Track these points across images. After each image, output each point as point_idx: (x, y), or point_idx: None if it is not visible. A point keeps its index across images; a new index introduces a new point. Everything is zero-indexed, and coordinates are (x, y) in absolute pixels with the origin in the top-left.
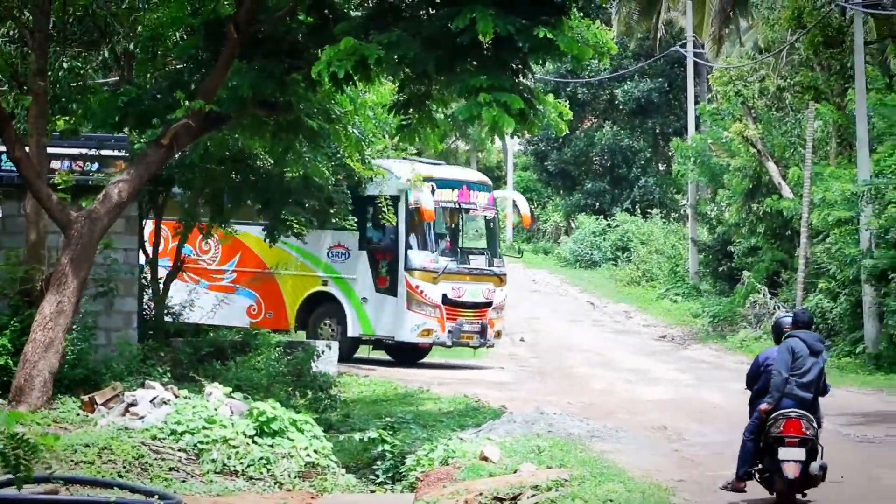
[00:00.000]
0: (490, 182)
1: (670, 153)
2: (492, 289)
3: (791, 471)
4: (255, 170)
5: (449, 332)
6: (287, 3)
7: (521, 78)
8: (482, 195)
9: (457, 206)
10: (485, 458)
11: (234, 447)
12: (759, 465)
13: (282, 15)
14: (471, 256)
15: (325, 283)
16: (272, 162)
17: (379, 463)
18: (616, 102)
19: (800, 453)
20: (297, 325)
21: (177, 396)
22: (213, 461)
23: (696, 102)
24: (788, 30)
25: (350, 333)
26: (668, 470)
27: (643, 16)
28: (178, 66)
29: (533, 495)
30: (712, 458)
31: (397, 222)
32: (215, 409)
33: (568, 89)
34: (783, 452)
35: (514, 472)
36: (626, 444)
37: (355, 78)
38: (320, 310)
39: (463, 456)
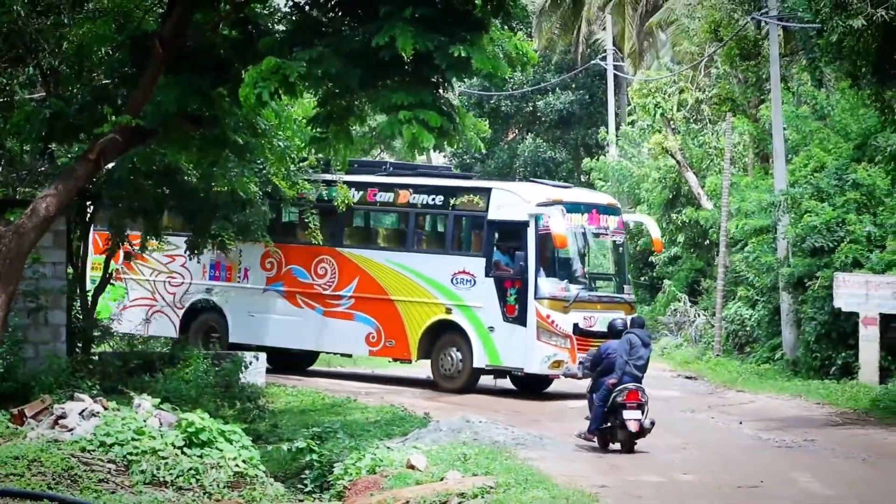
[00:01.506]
0: (619, 205)
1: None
2: (622, 317)
3: (633, 426)
4: (181, 184)
5: (580, 363)
6: (211, 18)
7: (442, 92)
8: (612, 219)
9: (586, 231)
10: (411, 467)
11: (163, 458)
12: (608, 424)
13: (206, 30)
14: (600, 283)
15: (448, 311)
16: (199, 176)
17: (307, 472)
18: (538, 115)
19: (638, 414)
20: (420, 354)
21: (106, 409)
22: (143, 472)
23: (617, 115)
24: (706, 43)
25: (476, 364)
26: (592, 476)
27: (564, 30)
28: (105, 82)
29: (459, 502)
30: (633, 463)
31: (526, 248)
32: (144, 421)
33: (492, 102)
34: (626, 413)
35: (441, 479)
36: (551, 451)
37: (280, 92)
38: (445, 338)
39: (390, 464)
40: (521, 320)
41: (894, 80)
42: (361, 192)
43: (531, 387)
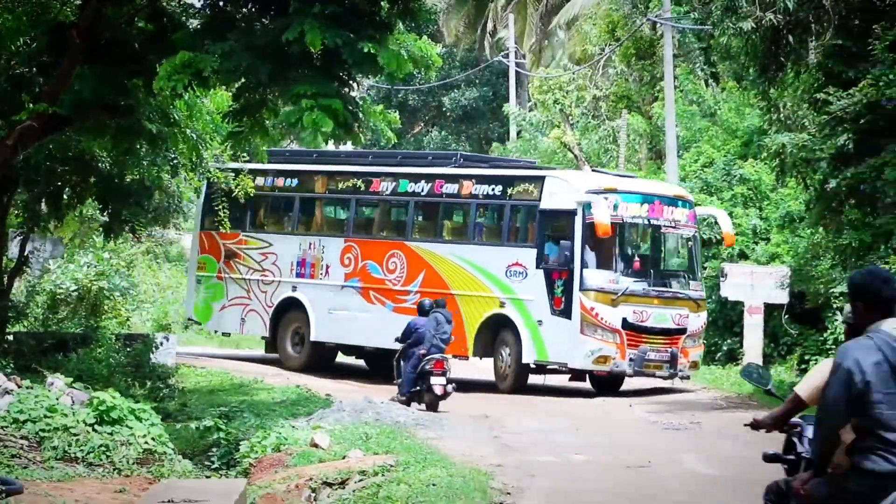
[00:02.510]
0: (691, 198)
1: None
2: (685, 314)
3: (438, 390)
4: (95, 171)
5: (630, 359)
6: (126, 12)
7: (348, 89)
8: (679, 211)
9: (647, 223)
10: (315, 445)
11: (75, 435)
12: (417, 387)
13: (121, 23)
14: (662, 278)
15: (502, 305)
16: (112, 163)
17: (214, 450)
18: (444, 109)
19: (442, 380)
20: (476, 351)
21: (19, 387)
22: (54, 448)
23: (517, 110)
24: (604, 43)
25: (524, 359)
26: (488, 456)
27: (469, 28)
28: (23, 70)
29: (360, 480)
30: (529, 444)
31: (573, 238)
32: (57, 399)
33: (399, 96)
34: (433, 379)
35: (343, 458)
36: (450, 431)
37: (193, 85)
38: (500, 335)
39: (294, 443)
40: (566, 313)
41: (780, 81)
42: (430, 185)
43: (609, 386)
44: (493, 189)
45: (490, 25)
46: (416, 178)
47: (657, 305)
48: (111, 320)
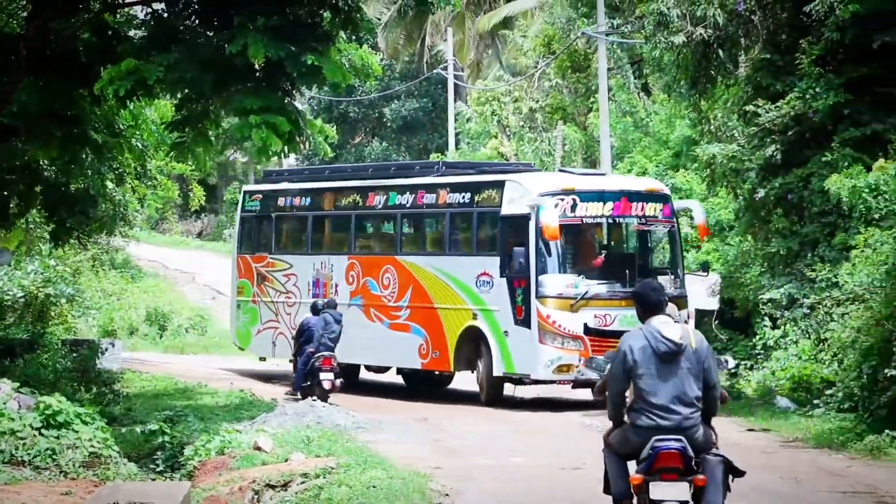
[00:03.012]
0: (666, 191)
1: None
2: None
3: (327, 385)
4: (42, 180)
5: (591, 365)
6: (73, 24)
7: (291, 99)
8: (652, 206)
9: (612, 221)
10: (258, 448)
11: (21, 439)
12: (308, 382)
13: (67, 35)
14: (632, 278)
15: (475, 317)
16: (57, 173)
17: (159, 453)
18: (384, 120)
19: (331, 375)
20: (460, 365)
21: None
22: (1, 452)
23: (457, 121)
24: (540, 56)
25: (495, 372)
26: (428, 458)
27: (409, 41)
28: None
29: (302, 482)
30: (467, 446)
31: (528, 243)
32: (3, 404)
33: (340, 107)
34: (322, 375)
35: (286, 460)
36: (390, 434)
37: (138, 94)
38: (479, 346)
39: (238, 446)
40: (527, 322)
41: (710, 93)
42: (413, 196)
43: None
44: (462, 197)
45: (429, 40)
46: (402, 189)
47: (623, 308)
48: (57, 326)
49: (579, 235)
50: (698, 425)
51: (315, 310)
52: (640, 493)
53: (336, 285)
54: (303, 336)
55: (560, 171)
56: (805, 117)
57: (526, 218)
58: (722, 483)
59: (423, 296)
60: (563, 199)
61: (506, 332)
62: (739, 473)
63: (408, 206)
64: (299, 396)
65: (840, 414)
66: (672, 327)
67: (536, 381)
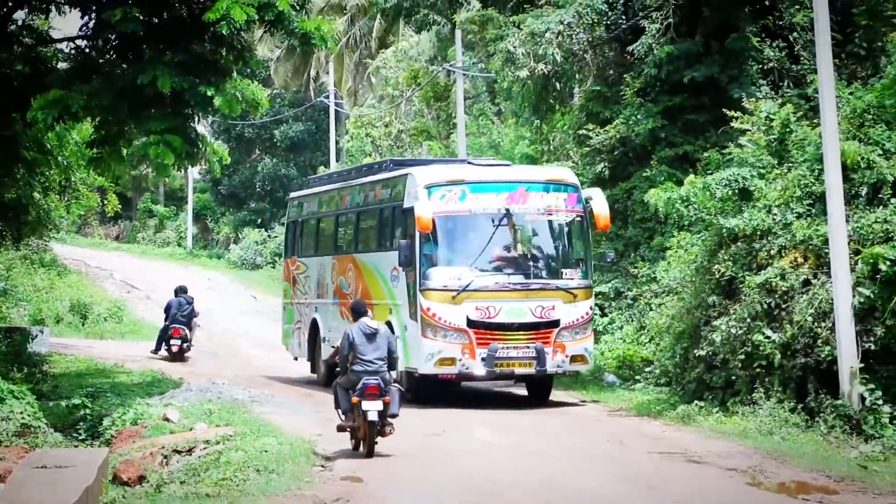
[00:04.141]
0: (572, 180)
1: None
2: (550, 306)
3: (175, 348)
4: None
5: (482, 359)
6: (7, 56)
7: (193, 123)
8: (552, 196)
9: (504, 211)
10: (167, 419)
11: None
12: (164, 347)
13: (3, 66)
14: (521, 269)
15: (390, 311)
16: None
17: (81, 424)
18: (275, 141)
19: (179, 342)
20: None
21: None
22: None
23: (337, 141)
24: (407, 86)
25: (400, 367)
26: (311, 427)
27: (296, 74)
28: None
29: (205, 447)
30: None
31: (413, 236)
32: None
33: (237, 129)
34: (172, 341)
35: (190, 429)
36: (280, 407)
37: (64, 119)
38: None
39: (149, 418)
40: (415, 316)
41: (550, 118)
42: (363, 195)
43: (538, 393)
44: (385, 192)
45: (314, 72)
46: (357, 189)
47: (512, 299)
48: None
49: (468, 226)
50: (385, 371)
51: (175, 294)
52: (355, 407)
53: (327, 285)
54: (168, 314)
55: (468, 162)
56: (628, 139)
57: (412, 210)
58: (399, 401)
59: (366, 293)
60: (450, 190)
61: (405, 326)
62: (407, 397)
63: (360, 204)
64: (156, 356)
65: (657, 388)
66: (371, 322)
67: (424, 376)
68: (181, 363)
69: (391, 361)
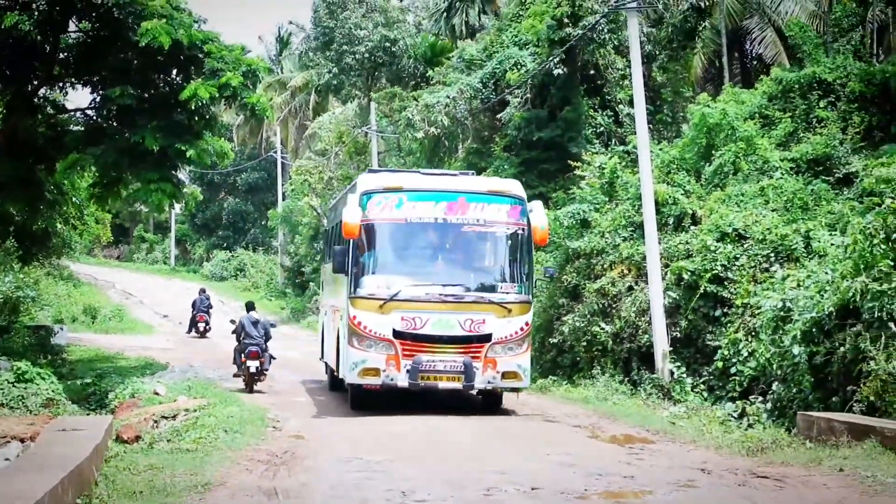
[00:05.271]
0: (516, 192)
1: (267, 217)
2: (481, 320)
3: (253, 368)
4: (13, 222)
5: (407, 371)
6: (33, 123)
7: (176, 172)
8: (493, 207)
9: (441, 221)
10: (156, 393)
11: (1, 389)
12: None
13: (30, 129)
14: (454, 281)
15: (341, 318)
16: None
17: (92, 397)
18: (237, 185)
19: (254, 365)
20: None
21: None
22: None
23: (284, 186)
24: (335, 144)
25: (340, 375)
26: (265, 399)
27: (252, 134)
28: None
29: (185, 414)
30: (290, 390)
31: (348, 243)
32: None
33: (208, 176)
34: (249, 362)
35: (174, 401)
36: (241, 384)
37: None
38: None
39: (143, 392)
40: (346, 324)
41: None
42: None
43: (490, 401)
44: (343, 200)
45: (266, 133)
46: (340, 199)
47: (441, 311)
48: (25, 317)
49: (403, 235)
50: (264, 343)
51: (199, 293)
52: (244, 364)
53: (327, 290)
54: (194, 306)
55: (422, 172)
56: None
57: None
58: (269, 362)
59: (337, 298)
60: (387, 198)
61: (344, 334)
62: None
63: (335, 214)
64: (188, 335)
65: None
66: (255, 314)
67: (352, 386)
68: (204, 338)
69: (267, 338)
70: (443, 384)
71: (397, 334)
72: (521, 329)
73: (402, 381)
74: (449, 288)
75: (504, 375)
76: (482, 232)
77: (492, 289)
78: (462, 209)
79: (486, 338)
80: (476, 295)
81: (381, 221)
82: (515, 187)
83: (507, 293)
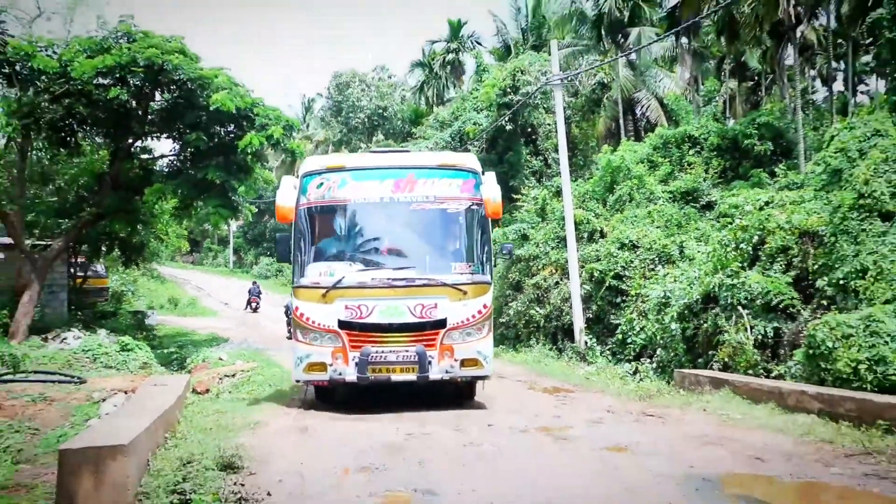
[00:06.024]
0: (470, 166)
1: None
2: (434, 304)
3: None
4: (118, 238)
5: (356, 363)
6: (131, 166)
7: (236, 197)
8: (443, 183)
9: (389, 200)
10: (220, 359)
11: (110, 356)
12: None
13: (128, 171)
14: (402, 264)
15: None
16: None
17: (174, 362)
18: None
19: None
20: None
21: (84, 336)
22: (101, 363)
23: None
24: None
25: (293, 376)
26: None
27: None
28: (75, 195)
29: (241, 373)
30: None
31: (291, 229)
32: (101, 342)
33: (257, 203)
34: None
35: (233, 364)
36: (279, 353)
37: (162, 198)
38: None
39: (211, 358)
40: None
41: None
42: None
43: (465, 393)
44: None
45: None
46: None
47: (389, 297)
48: (126, 304)
49: (346, 217)
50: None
51: (252, 283)
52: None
53: None
54: (249, 293)
55: (372, 150)
56: None
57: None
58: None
59: None
60: (328, 178)
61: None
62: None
63: None
64: (244, 310)
65: None
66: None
67: (297, 382)
68: (255, 313)
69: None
70: (395, 377)
71: (343, 325)
72: (479, 312)
73: (351, 375)
74: (397, 272)
75: (463, 363)
76: (433, 209)
77: (445, 270)
78: (410, 186)
79: (441, 323)
80: (426, 278)
81: (323, 204)
82: (469, 160)
83: (462, 273)
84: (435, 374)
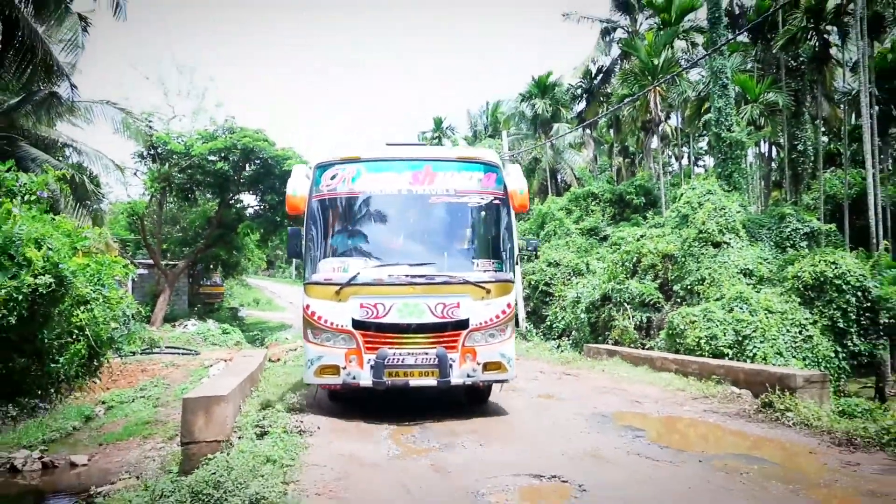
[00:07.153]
0: (490, 159)
1: None
2: (456, 303)
3: None
4: (221, 259)
5: (371, 367)
6: (229, 213)
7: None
8: (465, 176)
9: (407, 193)
10: (286, 339)
11: (215, 337)
12: None
13: (227, 215)
14: (422, 259)
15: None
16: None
17: (257, 341)
18: None
19: None
20: None
21: (198, 324)
22: (208, 341)
23: None
24: None
25: (304, 378)
26: None
27: None
28: (192, 232)
29: (297, 349)
30: None
31: (303, 222)
32: (210, 328)
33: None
34: None
35: (296, 342)
36: None
37: (249, 233)
38: None
39: (280, 339)
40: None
41: None
42: None
43: (475, 397)
44: None
45: None
46: None
47: (407, 295)
48: (225, 304)
49: (361, 210)
50: None
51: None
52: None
53: None
54: None
55: (387, 144)
56: None
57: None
58: None
59: None
60: (342, 169)
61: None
62: None
63: None
64: None
65: None
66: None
67: (309, 385)
68: None
69: None
70: (414, 381)
71: (357, 324)
72: (504, 312)
73: (366, 379)
74: (416, 268)
75: (486, 367)
76: (453, 203)
77: (466, 267)
78: (429, 178)
79: (463, 324)
80: (447, 275)
81: (337, 195)
82: (489, 154)
83: (485, 271)
84: (456, 378)
